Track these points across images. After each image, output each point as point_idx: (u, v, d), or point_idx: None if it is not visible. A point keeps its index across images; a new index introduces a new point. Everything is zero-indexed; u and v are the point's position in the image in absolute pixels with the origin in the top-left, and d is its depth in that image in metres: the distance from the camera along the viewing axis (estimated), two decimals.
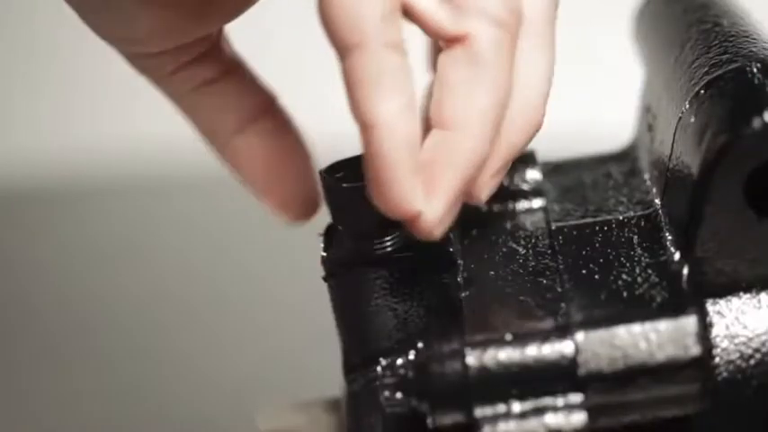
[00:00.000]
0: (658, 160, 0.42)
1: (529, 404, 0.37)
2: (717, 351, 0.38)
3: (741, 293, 0.39)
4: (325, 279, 0.40)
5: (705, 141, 0.37)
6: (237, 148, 0.41)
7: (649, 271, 0.39)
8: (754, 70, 0.38)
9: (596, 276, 0.40)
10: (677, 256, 0.40)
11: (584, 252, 0.41)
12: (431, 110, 0.37)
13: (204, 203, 0.98)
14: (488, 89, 0.36)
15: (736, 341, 0.38)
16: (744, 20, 0.42)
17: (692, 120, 0.39)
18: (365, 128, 0.35)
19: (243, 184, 0.43)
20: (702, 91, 0.39)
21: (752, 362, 0.38)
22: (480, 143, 0.36)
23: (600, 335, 0.38)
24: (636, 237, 0.41)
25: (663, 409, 0.38)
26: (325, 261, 0.40)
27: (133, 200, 1.00)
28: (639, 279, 0.39)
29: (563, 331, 0.38)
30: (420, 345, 0.40)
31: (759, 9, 0.45)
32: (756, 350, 0.38)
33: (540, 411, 0.37)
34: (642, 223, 0.42)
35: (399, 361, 0.40)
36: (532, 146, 0.45)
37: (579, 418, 0.37)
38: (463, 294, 0.40)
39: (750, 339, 0.39)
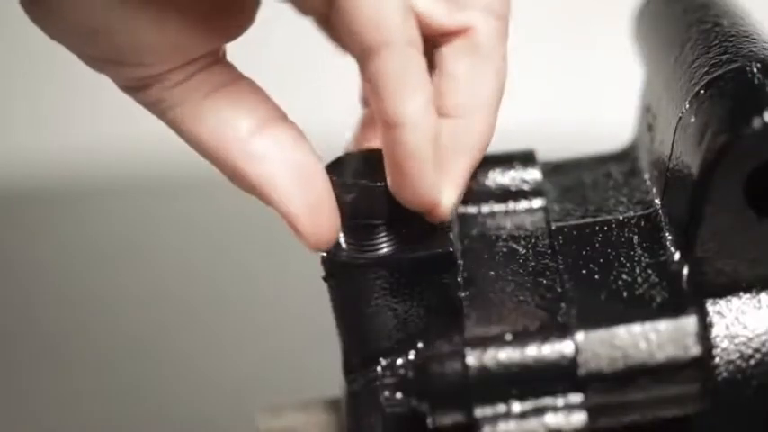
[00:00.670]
0: (658, 160, 0.42)
1: (529, 404, 0.37)
2: (717, 351, 0.38)
3: (741, 293, 0.39)
4: (325, 279, 0.40)
5: (705, 141, 0.37)
6: (256, 150, 0.40)
7: (649, 271, 0.39)
8: (754, 70, 0.38)
9: (596, 276, 0.40)
10: (677, 256, 0.40)
11: (584, 252, 0.41)
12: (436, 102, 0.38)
13: (204, 203, 0.98)
14: (491, 75, 0.39)
15: (736, 341, 0.39)
16: (744, 20, 0.42)
17: (692, 120, 0.39)
18: (392, 126, 0.36)
19: (257, 190, 0.41)
20: (702, 91, 0.39)
21: (752, 362, 0.38)
22: (489, 127, 0.39)
23: (600, 335, 0.38)
24: (636, 237, 0.41)
25: (663, 409, 0.38)
26: (325, 261, 0.40)
27: (133, 200, 1.00)
28: (639, 279, 0.39)
29: (563, 331, 0.38)
30: (420, 345, 0.40)
31: (759, 9, 0.45)
32: (756, 350, 0.38)
33: (540, 411, 0.37)
34: (642, 223, 0.42)
35: (399, 361, 0.40)
36: (532, 146, 0.45)
37: (579, 418, 0.37)
38: (463, 294, 0.40)
39: (750, 339, 0.39)
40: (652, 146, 0.44)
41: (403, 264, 0.39)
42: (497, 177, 0.44)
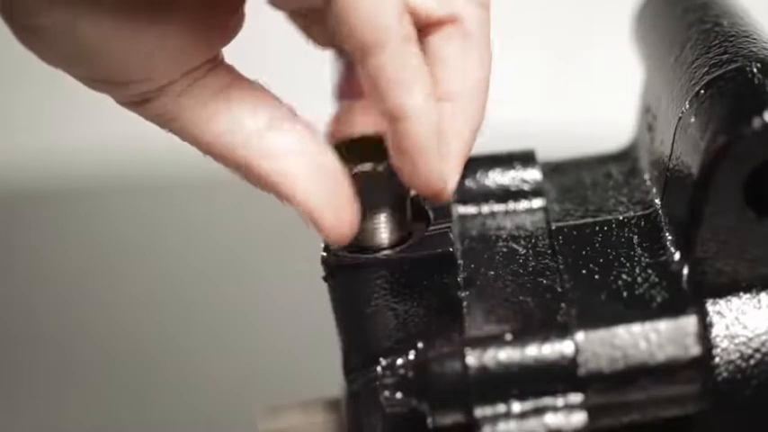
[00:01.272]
0: (658, 160, 0.42)
1: (529, 404, 0.37)
2: (717, 351, 0.38)
3: (741, 293, 0.39)
4: (325, 279, 0.40)
5: (705, 141, 0.37)
6: (274, 146, 0.39)
7: (649, 271, 0.39)
8: (754, 70, 0.38)
9: (596, 276, 0.40)
10: (677, 256, 0.40)
11: (584, 252, 0.41)
12: None
13: (204, 203, 0.98)
14: (480, 60, 0.40)
15: (736, 341, 0.38)
16: (744, 20, 0.42)
17: (692, 120, 0.39)
18: (397, 120, 0.37)
19: (276, 187, 0.40)
20: (702, 91, 0.39)
21: (752, 362, 0.38)
22: (481, 108, 0.40)
23: (600, 335, 0.38)
24: (636, 237, 0.41)
25: (663, 409, 0.38)
26: (325, 261, 0.40)
27: (133, 200, 1.00)
28: (639, 279, 0.39)
29: (563, 331, 0.38)
30: (420, 345, 0.39)
31: (759, 9, 0.45)
32: (756, 350, 0.38)
33: (540, 411, 0.37)
34: (642, 223, 0.42)
35: (399, 361, 0.40)
36: (532, 146, 0.45)
37: (579, 418, 0.37)
38: (463, 294, 0.40)
39: (750, 339, 0.39)
40: (652, 146, 0.44)
41: (403, 264, 0.39)
42: (497, 177, 0.44)
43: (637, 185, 0.44)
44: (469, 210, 0.44)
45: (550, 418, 0.37)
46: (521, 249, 0.42)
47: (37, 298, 0.90)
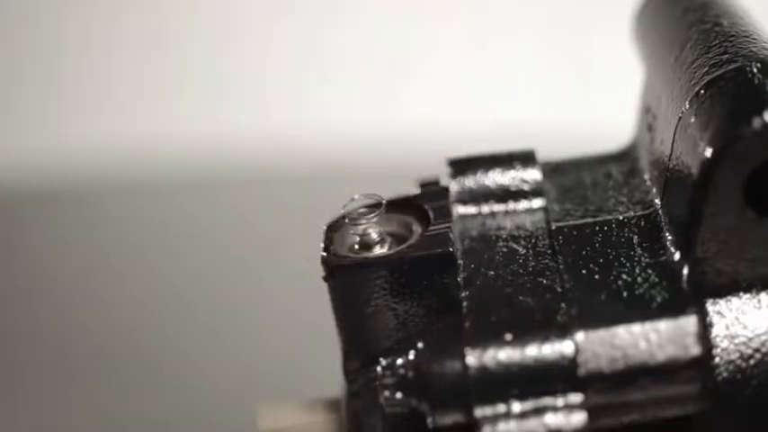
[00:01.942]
0: (658, 160, 0.42)
1: (529, 404, 0.37)
2: (717, 351, 0.38)
3: (741, 293, 0.39)
4: (325, 279, 0.40)
5: (705, 141, 0.38)
6: None
7: (649, 271, 0.39)
8: (754, 70, 0.38)
9: (596, 276, 0.40)
10: (677, 256, 0.40)
11: (584, 252, 0.41)
12: None
13: (204, 203, 0.98)
14: None
15: (736, 341, 0.38)
16: (744, 20, 0.42)
17: (692, 120, 0.39)
18: None
19: None
20: (702, 91, 0.39)
21: (752, 362, 0.38)
22: None
23: (600, 335, 0.38)
24: (636, 237, 0.41)
25: (663, 409, 0.38)
26: (325, 261, 0.40)
27: (133, 200, 1.00)
28: (639, 279, 0.39)
29: (563, 331, 0.38)
30: (420, 345, 0.40)
31: (759, 9, 0.45)
32: (756, 350, 0.38)
33: (540, 411, 0.37)
34: (642, 223, 0.42)
35: (399, 361, 0.40)
36: (532, 146, 0.45)
37: (579, 418, 0.37)
38: (463, 294, 0.40)
39: (750, 339, 0.39)
40: (652, 146, 0.44)
41: (403, 264, 0.39)
42: (497, 177, 0.44)
43: (637, 185, 0.44)
44: (469, 210, 0.44)
45: (550, 418, 0.37)
46: (521, 249, 0.42)
47: (37, 298, 0.90)
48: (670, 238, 0.40)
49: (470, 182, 0.44)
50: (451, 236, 0.40)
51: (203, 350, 0.83)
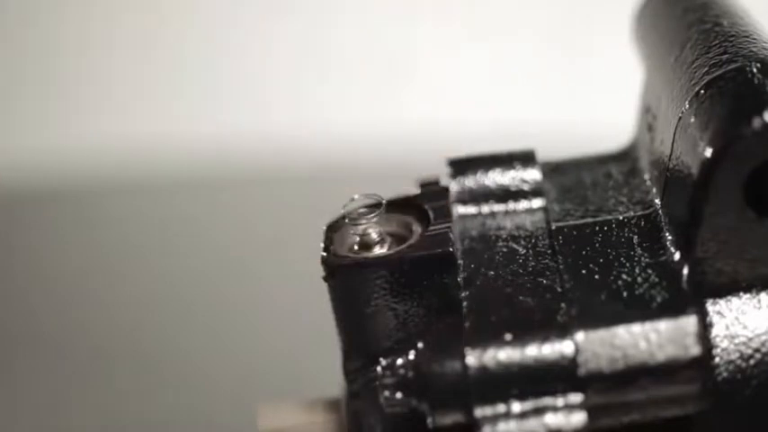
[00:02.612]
0: (658, 160, 0.42)
1: (529, 404, 0.37)
2: (717, 351, 0.38)
3: (741, 293, 0.39)
4: (325, 279, 0.40)
5: (705, 141, 0.38)
6: None
7: (649, 271, 0.39)
8: (754, 70, 0.38)
9: (596, 276, 0.40)
10: (677, 256, 0.40)
11: (584, 252, 0.41)
12: None
13: (204, 203, 0.98)
14: None
15: (736, 341, 0.38)
16: (744, 20, 0.42)
17: (692, 120, 0.39)
18: None
19: None
20: (702, 91, 0.39)
21: (752, 362, 0.38)
22: None
23: (600, 335, 0.38)
24: (636, 237, 0.41)
25: (663, 409, 0.38)
26: (325, 261, 0.40)
27: (133, 200, 1.00)
28: (639, 279, 0.39)
29: (563, 331, 0.38)
30: (420, 345, 0.40)
31: (759, 9, 0.45)
32: (756, 350, 0.38)
33: (540, 411, 0.37)
34: (642, 223, 0.42)
35: (399, 361, 0.40)
36: (532, 146, 0.45)
37: (579, 418, 0.37)
38: (463, 294, 0.40)
39: (750, 339, 0.39)
40: (652, 146, 0.44)
41: (403, 264, 0.39)
42: (497, 177, 0.44)
43: (637, 185, 0.44)
44: (469, 210, 0.44)
45: (550, 418, 0.37)
46: (521, 249, 0.42)
47: (37, 298, 0.90)
48: (670, 238, 0.40)
49: (470, 182, 0.44)
50: (451, 236, 0.40)
51: (203, 350, 0.83)
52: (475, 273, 0.41)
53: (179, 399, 0.78)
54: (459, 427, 0.38)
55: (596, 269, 0.40)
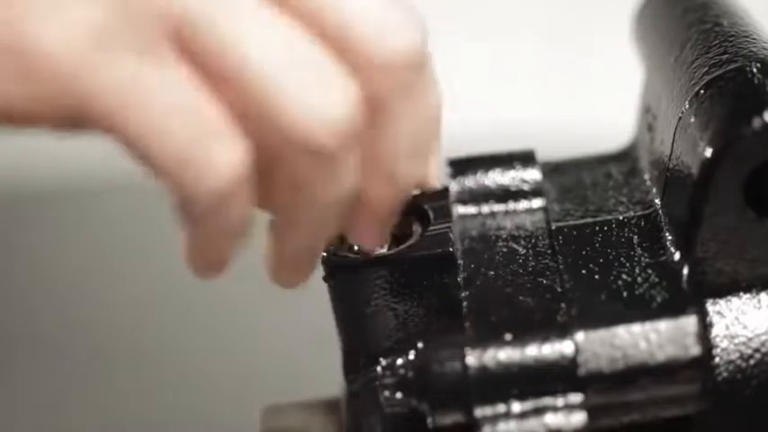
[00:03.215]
0: (658, 160, 0.42)
1: (529, 404, 0.37)
2: (717, 351, 0.38)
3: (741, 293, 0.39)
4: (325, 279, 0.40)
5: (705, 141, 0.37)
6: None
7: (649, 271, 0.39)
8: (754, 70, 0.38)
9: (596, 276, 0.40)
10: (677, 256, 0.40)
11: (584, 252, 0.41)
12: None
13: None
14: (422, 105, 0.39)
15: (736, 341, 0.38)
16: (744, 20, 0.42)
17: (692, 120, 0.39)
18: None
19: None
20: (702, 91, 0.39)
21: (752, 362, 0.38)
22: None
23: (600, 335, 0.38)
24: (636, 237, 0.41)
25: (663, 409, 0.38)
26: (325, 261, 0.40)
27: (133, 200, 1.00)
28: (639, 279, 0.39)
29: (563, 331, 0.38)
30: (420, 345, 0.40)
31: (759, 9, 0.45)
32: (756, 350, 0.38)
33: (540, 411, 0.37)
34: (642, 223, 0.42)
35: (399, 361, 0.40)
36: (532, 146, 0.45)
37: (579, 418, 0.37)
38: (463, 294, 0.40)
39: (750, 339, 0.39)
40: (652, 146, 0.44)
41: (403, 264, 0.39)
42: (497, 177, 0.44)
43: (637, 185, 0.44)
44: (469, 210, 0.44)
45: (550, 418, 0.37)
46: (521, 249, 0.42)
47: (37, 298, 0.90)
48: (670, 238, 0.40)
49: (470, 182, 0.44)
50: (451, 236, 0.40)
51: (203, 350, 0.82)
52: (475, 273, 0.41)
53: (179, 399, 0.78)
54: (459, 427, 0.38)
55: (596, 269, 0.40)
